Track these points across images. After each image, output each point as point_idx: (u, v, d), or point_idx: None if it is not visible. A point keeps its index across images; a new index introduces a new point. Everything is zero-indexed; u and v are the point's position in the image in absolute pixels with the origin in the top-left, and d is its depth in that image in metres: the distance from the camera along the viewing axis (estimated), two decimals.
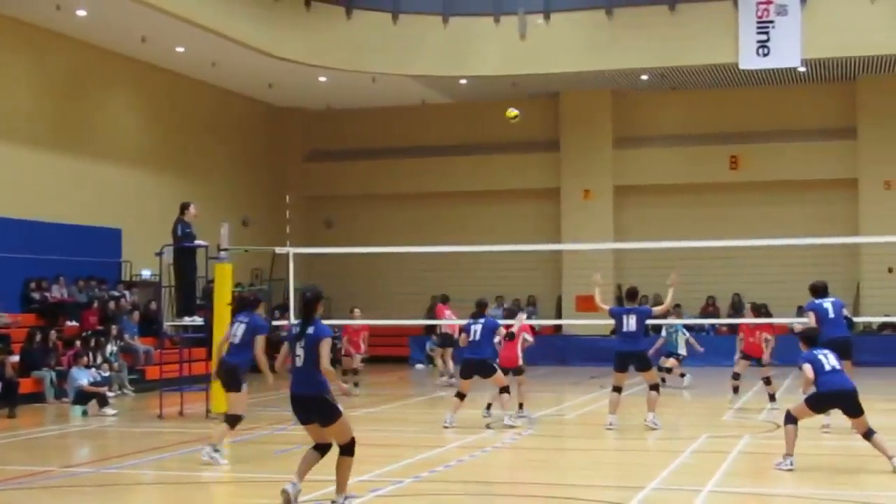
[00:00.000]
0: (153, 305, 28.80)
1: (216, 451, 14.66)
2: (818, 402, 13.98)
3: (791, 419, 13.93)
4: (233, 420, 15.15)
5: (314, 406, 11.43)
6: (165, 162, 33.68)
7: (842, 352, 15.11)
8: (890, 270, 33.94)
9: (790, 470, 13.42)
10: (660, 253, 31.86)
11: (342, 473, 11.50)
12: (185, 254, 20.91)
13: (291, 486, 11.41)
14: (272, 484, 13.17)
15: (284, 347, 11.89)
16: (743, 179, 36.96)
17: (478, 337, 18.45)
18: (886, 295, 33.58)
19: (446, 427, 18.11)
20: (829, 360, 14.04)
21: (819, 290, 17.79)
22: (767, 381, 21.97)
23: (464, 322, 19.66)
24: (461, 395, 18.70)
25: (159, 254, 21.44)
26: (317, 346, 11.38)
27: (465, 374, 18.64)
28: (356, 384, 24.75)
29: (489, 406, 19.63)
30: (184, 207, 21.08)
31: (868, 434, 13.88)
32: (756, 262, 34.08)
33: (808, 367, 13.95)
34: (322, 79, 35.07)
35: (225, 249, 21.24)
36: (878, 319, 33.78)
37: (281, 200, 38.40)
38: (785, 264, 33.63)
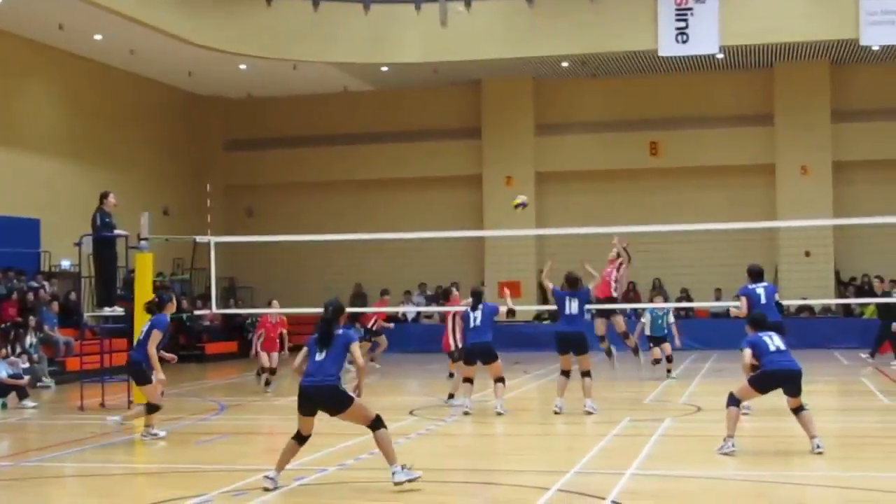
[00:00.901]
0: (73, 296, 28.49)
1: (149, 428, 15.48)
2: (764, 382, 13.88)
3: (734, 401, 13.88)
4: (150, 408, 15.83)
5: (325, 397, 11.84)
6: (84, 151, 33.31)
7: None
8: (807, 254, 34.44)
9: (732, 453, 13.47)
10: (581, 239, 32.02)
11: (385, 448, 11.84)
12: (104, 244, 20.70)
13: (270, 481, 11.71)
14: (194, 474, 13.13)
15: (304, 350, 12.21)
16: (663, 165, 37.33)
17: (479, 322, 18.41)
18: (803, 278, 34.06)
19: (467, 413, 18.18)
20: (774, 340, 14.05)
21: (755, 275, 17.80)
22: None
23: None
24: (469, 380, 18.67)
25: (79, 244, 21.21)
26: (345, 347, 11.98)
27: (470, 359, 18.62)
28: (268, 383, 23.25)
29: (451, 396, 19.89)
30: (103, 197, 20.88)
31: (798, 409, 14.01)
32: (676, 246, 34.34)
33: (747, 352, 13.99)
34: (242, 66, 34.87)
35: (145, 239, 21.05)
36: (795, 302, 34.15)
37: (201, 189, 38.15)
38: (704, 249, 33.94)
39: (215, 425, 17.86)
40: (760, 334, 14.24)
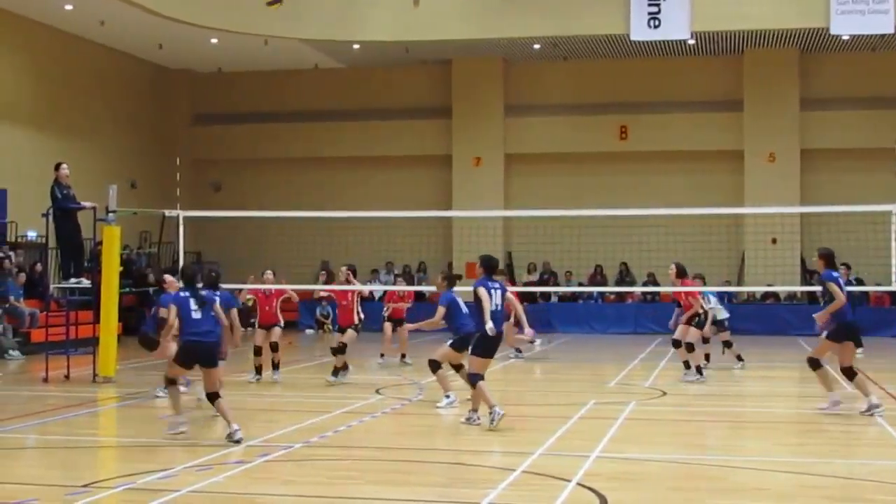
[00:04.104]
0: (39, 267, 28.34)
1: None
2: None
3: (476, 377, 14.63)
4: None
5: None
6: (52, 122, 33.12)
7: None
8: (773, 241, 34.61)
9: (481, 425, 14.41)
10: (549, 221, 32.18)
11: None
12: (65, 216, 20.60)
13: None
14: (158, 448, 13.11)
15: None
16: (631, 149, 37.43)
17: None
18: (769, 265, 34.26)
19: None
20: (496, 297, 14.62)
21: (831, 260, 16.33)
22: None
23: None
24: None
25: (46, 215, 21.11)
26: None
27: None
28: (259, 370, 20.52)
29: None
30: (55, 169, 20.77)
31: (474, 379, 14.64)
32: (643, 231, 34.49)
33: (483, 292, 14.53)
34: (213, 40, 34.71)
35: (113, 211, 20.98)
36: (760, 289, 34.46)
37: (168, 163, 37.98)
38: (672, 233, 34.08)
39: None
40: (490, 285, 14.78)
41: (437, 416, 16.57)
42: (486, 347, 14.69)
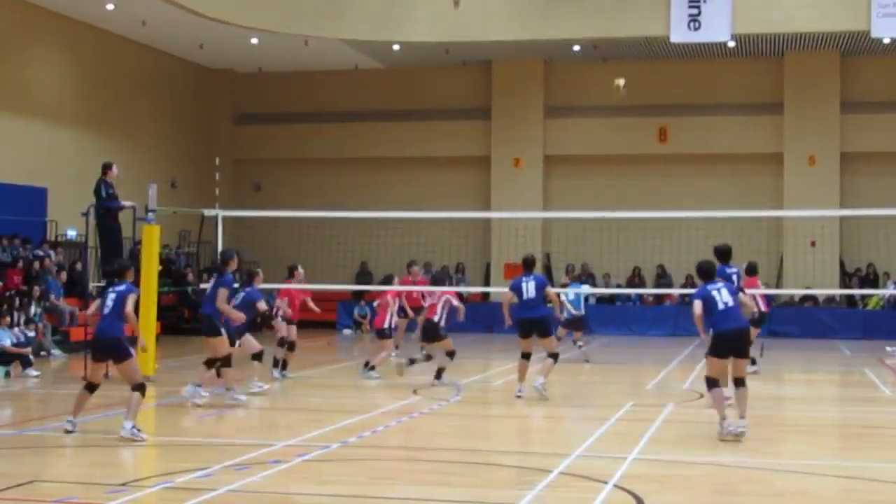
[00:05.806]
0: (79, 266, 28.52)
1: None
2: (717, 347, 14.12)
3: (712, 382, 14.04)
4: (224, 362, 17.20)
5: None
6: (93, 121, 33.29)
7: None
8: (812, 244, 34.42)
9: (729, 435, 13.64)
10: (588, 222, 32.14)
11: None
12: (108, 215, 20.71)
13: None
14: (196, 447, 13.18)
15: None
16: (671, 152, 37.30)
17: (532, 294, 17.73)
18: (808, 268, 34.08)
19: (519, 396, 17.64)
20: (724, 294, 14.12)
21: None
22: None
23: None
24: (526, 356, 17.88)
25: (86, 214, 21.22)
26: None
27: (525, 333, 17.78)
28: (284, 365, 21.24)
29: (367, 364, 20.41)
30: (106, 168, 20.82)
31: (741, 382, 14.08)
32: (682, 233, 34.35)
33: (697, 304, 14.12)
34: (254, 41, 34.81)
35: (153, 211, 21.08)
36: (799, 292, 34.29)
37: (209, 163, 38.08)
38: (710, 236, 33.72)
39: (217, 399, 17.89)
40: (709, 287, 14.27)
41: (475, 417, 16.60)
42: (720, 347, 14.08)
